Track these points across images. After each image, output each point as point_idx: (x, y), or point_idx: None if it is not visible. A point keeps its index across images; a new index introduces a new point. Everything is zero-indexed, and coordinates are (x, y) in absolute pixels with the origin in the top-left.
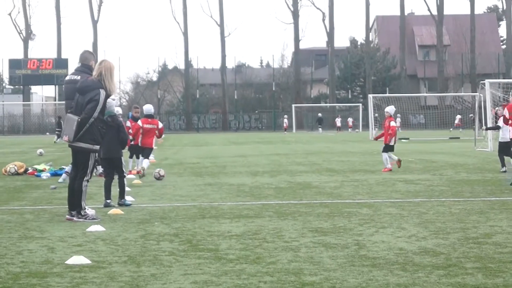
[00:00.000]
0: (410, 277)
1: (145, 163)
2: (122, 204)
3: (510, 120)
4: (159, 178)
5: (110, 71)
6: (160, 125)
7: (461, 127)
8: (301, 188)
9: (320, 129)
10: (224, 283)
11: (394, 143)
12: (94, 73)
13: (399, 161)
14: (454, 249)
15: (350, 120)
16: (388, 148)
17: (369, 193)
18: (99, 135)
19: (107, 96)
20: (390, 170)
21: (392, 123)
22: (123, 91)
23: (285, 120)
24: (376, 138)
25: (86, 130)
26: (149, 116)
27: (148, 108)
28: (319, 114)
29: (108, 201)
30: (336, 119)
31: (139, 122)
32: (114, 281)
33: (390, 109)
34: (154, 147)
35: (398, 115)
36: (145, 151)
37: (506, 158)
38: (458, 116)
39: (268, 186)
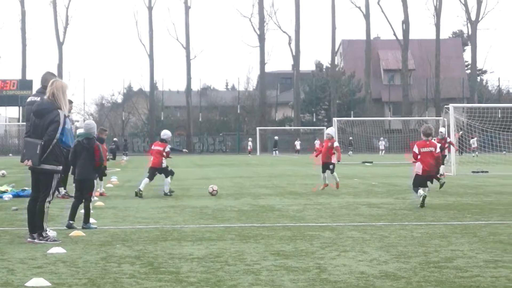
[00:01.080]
0: None
1: (166, 183)
2: (86, 228)
3: (419, 155)
4: (212, 193)
5: (62, 90)
6: (167, 148)
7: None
8: (264, 211)
9: (276, 151)
10: None
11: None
12: (47, 93)
13: (326, 185)
14: (415, 273)
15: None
16: (334, 168)
17: (332, 216)
18: (62, 155)
19: (65, 116)
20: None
21: (336, 144)
22: (88, 113)
23: (250, 143)
24: (317, 155)
25: (49, 152)
26: (162, 140)
27: (164, 132)
28: (275, 137)
29: (71, 222)
30: (296, 142)
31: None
32: None
33: (330, 130)
34: (117, 169)
35: (381, 138)
36: (164, 171)
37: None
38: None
39: (231, 208)
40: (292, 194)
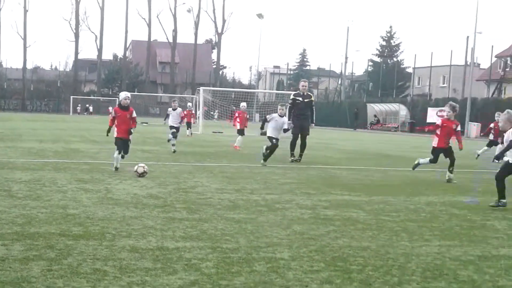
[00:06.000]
0: (139, 212)
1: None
2: None
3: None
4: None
5: None
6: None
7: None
8: (73, 152)
9: (85, 113)
10: (13, 212)
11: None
12: None
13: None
14: (170, 195)
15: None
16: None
17: None
18: None
19: None
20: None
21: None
22: None
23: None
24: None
25: None
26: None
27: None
28: (87, 105)
29: None
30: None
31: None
32: None
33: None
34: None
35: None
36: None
37: None
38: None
39: (50, 149)
40: (92, 142)
